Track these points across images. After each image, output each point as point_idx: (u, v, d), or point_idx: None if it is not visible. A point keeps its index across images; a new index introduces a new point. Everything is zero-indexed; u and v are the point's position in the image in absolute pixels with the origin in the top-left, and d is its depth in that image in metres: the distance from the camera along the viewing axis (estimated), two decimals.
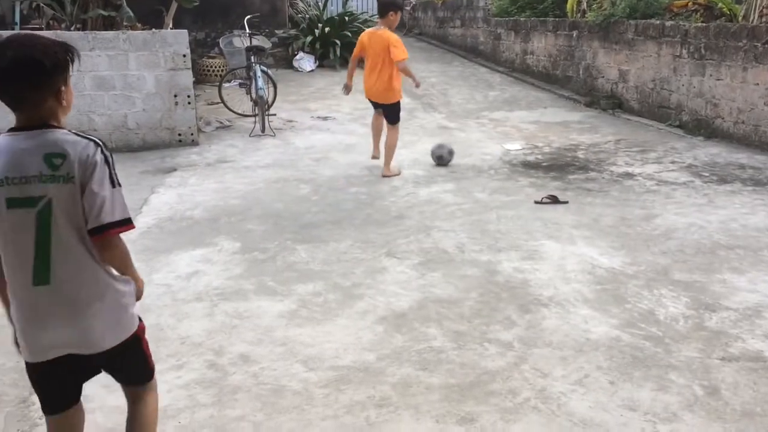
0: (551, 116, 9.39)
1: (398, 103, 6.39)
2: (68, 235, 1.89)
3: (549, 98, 10.63)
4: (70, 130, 1.91)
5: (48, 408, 2.10)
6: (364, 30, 13.64)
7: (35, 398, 2.82)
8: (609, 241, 4.65)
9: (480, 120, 9.24)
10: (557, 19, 11.32)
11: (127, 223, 1.94)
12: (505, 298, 3.79)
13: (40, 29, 8.20)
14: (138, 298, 2.13)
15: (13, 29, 9.06)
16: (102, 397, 2.84)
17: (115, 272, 2.03)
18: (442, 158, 6.72)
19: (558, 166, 6.74)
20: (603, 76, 9.93)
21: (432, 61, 14.30)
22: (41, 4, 8.13)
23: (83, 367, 2.05)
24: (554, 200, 5.50)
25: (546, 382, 2.96)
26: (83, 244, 1.92)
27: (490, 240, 4.69)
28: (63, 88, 1.88)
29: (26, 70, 1.80)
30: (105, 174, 1.88)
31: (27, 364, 2.03)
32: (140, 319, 2.13)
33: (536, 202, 5.49)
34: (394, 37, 6.12)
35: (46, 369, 2.00)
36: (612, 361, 3.13)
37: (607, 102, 9.59)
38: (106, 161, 1.90)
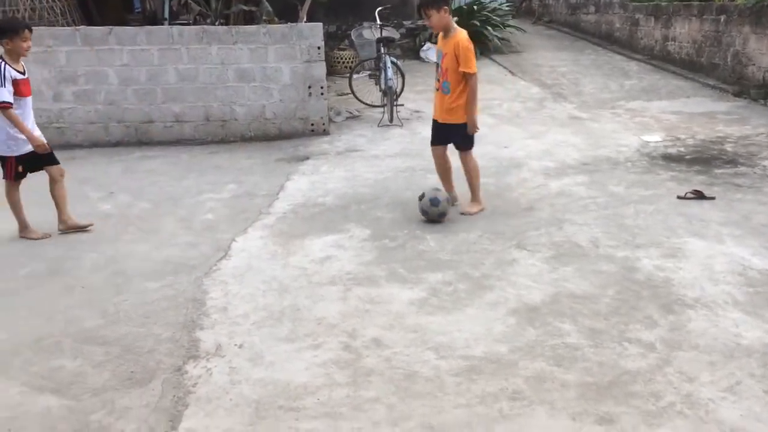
0: (695, 106, 8.79)
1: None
2: None
3: (692, 87, 9.96)
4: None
5: None
6: (493, 20, 13.60)
7: (189, 367, 3.05)
8: (763, 240, 4.30)
9: (615, 110, 8.82)
10: (703, 2, 10.57)
11: None
12: (646, 297, 3.61)
13: (188, 24, 8.77)
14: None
15: (162, 24, 9.74)
16: (247, 370, 3.02)
17: None
18: (426, 213, 4.92)
19: (703, 160, 6.30)
20: (754, 64, 9.16)
21: (562, 49, 13.86)
22: (189, 1, 8.68)
23: None
24: (699, 195, 5.16)
25: (692, 387, 2.79)
26: None
27: (627, 235, 4.48)
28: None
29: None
30: None
31: None
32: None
33: (679, 197, 5.17)
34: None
35: None
36: (767, 368, 2.90)
37: (758, 92, 8.84)
38: None
